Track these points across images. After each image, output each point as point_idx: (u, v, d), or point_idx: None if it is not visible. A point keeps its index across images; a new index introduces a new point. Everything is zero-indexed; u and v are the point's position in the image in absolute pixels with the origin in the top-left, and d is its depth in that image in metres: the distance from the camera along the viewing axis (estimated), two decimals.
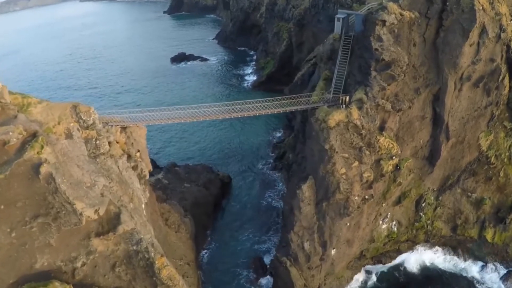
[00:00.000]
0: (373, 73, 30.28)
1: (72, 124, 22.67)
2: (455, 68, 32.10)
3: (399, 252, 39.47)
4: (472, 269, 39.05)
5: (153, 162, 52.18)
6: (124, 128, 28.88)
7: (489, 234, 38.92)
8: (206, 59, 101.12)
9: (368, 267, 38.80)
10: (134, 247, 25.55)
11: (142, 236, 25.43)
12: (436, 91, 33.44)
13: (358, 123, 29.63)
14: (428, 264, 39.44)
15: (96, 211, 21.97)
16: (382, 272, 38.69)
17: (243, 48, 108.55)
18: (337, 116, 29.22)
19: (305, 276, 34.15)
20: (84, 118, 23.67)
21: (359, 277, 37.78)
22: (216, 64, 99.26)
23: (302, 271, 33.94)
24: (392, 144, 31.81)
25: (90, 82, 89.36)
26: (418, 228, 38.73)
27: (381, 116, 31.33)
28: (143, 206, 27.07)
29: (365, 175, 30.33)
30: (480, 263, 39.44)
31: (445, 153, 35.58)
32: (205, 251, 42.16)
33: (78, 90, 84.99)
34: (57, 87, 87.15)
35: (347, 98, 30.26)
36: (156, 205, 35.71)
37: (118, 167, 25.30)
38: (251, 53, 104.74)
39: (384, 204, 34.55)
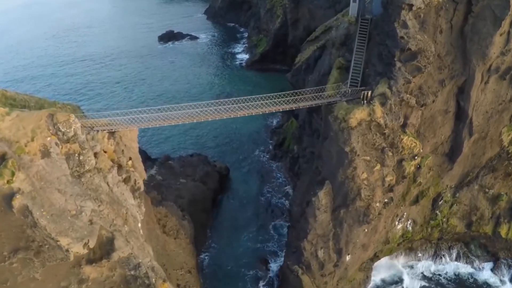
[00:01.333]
0: (398, 64, 26.55)
1: (49, 139, 18.42)
2: (484, 59, 28.59)
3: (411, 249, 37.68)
4: (484, 265, 37.94)
5: (144, 153, 48.35)
6: (112, 133, 24.70)
7: (503, 230, 37.44)
8: (195, 37, 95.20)
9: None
10: (132, 272, 22.43)
11: (140, 261, 22.17)
12: (461, 83, 30.06)
13: (382, 121, 26.15)
14: (440, 263, 38.00)
15: (85, 244, 18.34)
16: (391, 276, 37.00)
17: (232, 24, 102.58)
18: (358, 114, 25.60)
19: (318, 284, 31.79)
20: (63, 130, 19.30)
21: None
22: (206, 42, 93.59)
23: (315, 278, 31.52)
24: (414, 142, 28.66)
25: (73, 67, 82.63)
26: (433, 226, 36.52)
27: (403, 112, 27.93)
28: (139, 225, 23.46)
29: (388, 179, 27.27)
30: (493, 259, 38.23)
31: (466, 149, 32.76)
32: (206, 253, 39.38)
33: (60, 77, 78.68)
34: (38, 75, 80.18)
35: (370, 93, 26.54)
36: (152, 211, 32.19)
37: (107, 183, 21.39)
38: (241, 29, 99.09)
39: (402, 206, 31.91)
